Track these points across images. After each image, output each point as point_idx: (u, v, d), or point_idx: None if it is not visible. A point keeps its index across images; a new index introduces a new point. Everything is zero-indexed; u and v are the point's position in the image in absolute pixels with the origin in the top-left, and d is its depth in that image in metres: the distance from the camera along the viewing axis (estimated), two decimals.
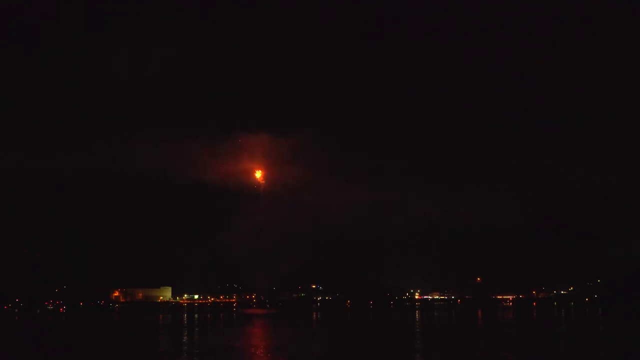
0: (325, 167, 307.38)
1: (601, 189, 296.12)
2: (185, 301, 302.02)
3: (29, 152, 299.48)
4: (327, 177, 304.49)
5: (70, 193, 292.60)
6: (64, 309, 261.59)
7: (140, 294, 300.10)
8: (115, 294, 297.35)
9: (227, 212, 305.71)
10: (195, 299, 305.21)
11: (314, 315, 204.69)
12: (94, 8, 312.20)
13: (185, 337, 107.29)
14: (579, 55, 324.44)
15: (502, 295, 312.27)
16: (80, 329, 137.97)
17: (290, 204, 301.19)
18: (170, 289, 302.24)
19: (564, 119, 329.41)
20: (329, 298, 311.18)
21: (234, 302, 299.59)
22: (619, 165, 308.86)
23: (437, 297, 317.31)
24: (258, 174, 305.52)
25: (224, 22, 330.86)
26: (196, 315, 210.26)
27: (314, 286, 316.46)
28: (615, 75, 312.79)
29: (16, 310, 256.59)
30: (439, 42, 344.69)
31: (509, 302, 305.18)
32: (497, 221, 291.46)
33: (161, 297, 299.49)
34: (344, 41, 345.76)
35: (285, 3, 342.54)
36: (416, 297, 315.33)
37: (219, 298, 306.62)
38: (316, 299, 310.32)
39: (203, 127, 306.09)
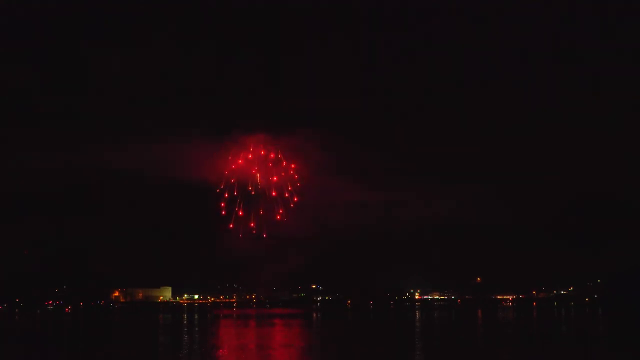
0: (326, 167, 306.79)
1: (601, 189, 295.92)
2: (185, 301, 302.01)
3: (29, 152, 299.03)
4: (327, 177, 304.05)
5: (70, 193, 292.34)
6: (69, 308, 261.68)
7: (140, 294, 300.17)
8: (115, 294, 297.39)
9: (227, 212, 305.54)
10: (195, 299, 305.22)
11: (314, 315, 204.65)
12: (93, 8, 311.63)
13: (185, 337, 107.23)
14: (579, 55, 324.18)
15: (502, 295, 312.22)
16: (82, 329, 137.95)
17: (290, 204, 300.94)
18: (170, 289, 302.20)
19: (564, 118, 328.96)
20: (329, 298, 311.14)
21: (234, 302, 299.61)
22: (619, 165, 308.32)
23: (437, 297, 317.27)
24: (258, 174, 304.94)
25: (223, 22, 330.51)
26: (196, 316, 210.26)
27: (314, 286, 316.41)
28: (616, 74, 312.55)
29: (16, 310, 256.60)
30: (440, 42, 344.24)
31: (509, 302, 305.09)
32: (497, 221, 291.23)
33: (161, 297, 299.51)
34: (345, 40, 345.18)
35: (285, 2, 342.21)
36: (416, 297, 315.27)
37: (219, 298, 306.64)
38: (316, 299, 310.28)
39: (203, 127, 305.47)
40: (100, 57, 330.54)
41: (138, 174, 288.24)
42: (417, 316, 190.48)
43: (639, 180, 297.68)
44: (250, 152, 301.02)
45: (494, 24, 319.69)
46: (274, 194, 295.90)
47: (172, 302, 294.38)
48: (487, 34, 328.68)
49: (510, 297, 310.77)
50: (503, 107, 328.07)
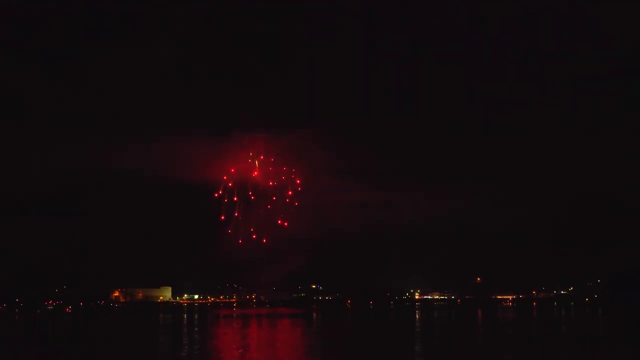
0: (325, 167, 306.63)
1: (601, 189, 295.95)
2: (185, 301, 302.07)
3: (29, 152, 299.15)
4: (327, 177, 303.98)
5: (70, 193, 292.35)
6: (69, 309, 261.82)
7: (140, 294, 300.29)
8: (115, 294, 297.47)
9: (227, 212, 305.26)
10: (195, 299, 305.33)
11: (314, 315, 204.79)
12: (93, 8, 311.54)
13: (185, 338, 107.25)
14: (579, 55, 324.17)
15: (502, 295, 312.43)
16: (83, 329, 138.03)
17: (290, 204, 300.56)
18: (170, 289, 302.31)
19: (564, 119, 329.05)
20: (329, 298, 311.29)
21: (234, 302, 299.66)
22: (619, 165, 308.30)
23: (437, 297, 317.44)
24: (258, 174, 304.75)
25: (222, 21, 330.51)
26: (196, 316, 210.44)
27: (314, 286, 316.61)
28: (616, 75, 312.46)
29: (16, 310, 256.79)
30: (439, 41, 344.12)
31: (509, 302, 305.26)
32: (497, 221, 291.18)
33: (161, 297, 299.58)
34: (344, 39, 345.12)
35: (285, 2, 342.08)
36: (416, 297, 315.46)
37: (219, 298, 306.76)
38: (316, 299, 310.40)
39: (202, 127, 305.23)
40: (100, 56, 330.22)
41: (138, 174, 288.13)
42: (417, 316, 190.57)
43: (639, 180, 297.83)
44: (250, 155, 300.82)
45: (494, 24, 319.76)
46: (274, 198, 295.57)
47: (172, 302, 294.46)
48: (487, 33, 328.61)
49: (510, 297, 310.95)
50: (503, 107, 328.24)
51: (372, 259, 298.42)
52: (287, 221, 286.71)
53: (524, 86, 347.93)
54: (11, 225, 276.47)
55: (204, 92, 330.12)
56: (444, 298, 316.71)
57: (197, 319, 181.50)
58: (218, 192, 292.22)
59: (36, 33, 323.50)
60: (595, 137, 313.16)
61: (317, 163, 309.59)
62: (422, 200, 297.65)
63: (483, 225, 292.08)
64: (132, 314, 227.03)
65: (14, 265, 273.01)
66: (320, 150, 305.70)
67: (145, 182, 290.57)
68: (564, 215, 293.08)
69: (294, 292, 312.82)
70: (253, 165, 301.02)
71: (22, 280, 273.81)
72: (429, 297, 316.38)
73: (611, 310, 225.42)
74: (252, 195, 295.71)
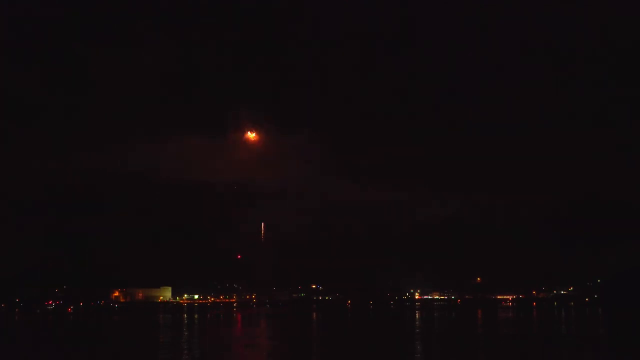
0: (327, 167, 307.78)
1: (602, 190, 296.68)
2: (185, 301, 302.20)
3: (29, 152, 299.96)
4: (328, 177, 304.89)
5: (71, 193, 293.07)
6: (71, 308, 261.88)
7: (140, 294, 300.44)
8: (115, 294, 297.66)
9: (227, 212, 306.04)
10: (195, 299, 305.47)
11: (314, 315, 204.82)
12: (94, 9, 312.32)
13: (184, 338, 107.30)
14: (578, 55, 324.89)
15: (502, 295, 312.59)
16: (83, 329, 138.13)
17: (290, 203, 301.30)
18: (170, 289, 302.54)
19: (564, 119, 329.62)
20: (329, 298, 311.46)
21: (234, 302, 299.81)
22: (620, 166, 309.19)
23: (437, 297, 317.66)
24: (258, 174, 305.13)
25: (222, 22, 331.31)
26: (196, 316, 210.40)
27: (314, 286, 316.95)
28: (616, 75, 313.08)
29: (16, 310, 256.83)
30: (440, 42, 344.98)
31: (509, 302, 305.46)
32: (497, 221, 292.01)
33: (161, 297, 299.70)
34: (344, 40, 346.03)
35: (285, 2, 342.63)
36: (416, 297, 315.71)
37: (219, 298, 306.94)
38: (316, 299, 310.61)
39: (203, 127, 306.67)
40: (101, 57, 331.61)
41: (138, 174, 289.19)
42: (417, 316, 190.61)
43: (639, 180, 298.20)
44: (250, 154, 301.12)
45: (491, 26, 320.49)
46: (273, 197, 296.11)
47: (172, 302, 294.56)
48: (485, 35, 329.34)
49: (510, 297, 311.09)
50: (503, 108, 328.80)
51: (372, 259, 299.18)
52: (286, 219, 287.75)
53: (525, 88, 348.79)
54: (11, 225, 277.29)
55: (206, 93, 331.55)
56: (444, 298, 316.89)
57: (197, 319, 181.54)
58: (219, 193, 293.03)
59: (37, 34, 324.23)
60: (596, 137, 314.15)
61: (318, 163, 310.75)
62: (422, 200, 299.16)
63: (483, 226, 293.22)
64: (132, 314, 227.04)
65: (14, 265, 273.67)
66: (321, 150, 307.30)
67: (146, 183, 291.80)
68: (564, 216, 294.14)
69: (294, 292, 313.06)
70: (254, 164, 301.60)
71: (22, 280, 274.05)
72: (429, 297, 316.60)
73: (611, 310, 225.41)
74: (252, 197, 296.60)
